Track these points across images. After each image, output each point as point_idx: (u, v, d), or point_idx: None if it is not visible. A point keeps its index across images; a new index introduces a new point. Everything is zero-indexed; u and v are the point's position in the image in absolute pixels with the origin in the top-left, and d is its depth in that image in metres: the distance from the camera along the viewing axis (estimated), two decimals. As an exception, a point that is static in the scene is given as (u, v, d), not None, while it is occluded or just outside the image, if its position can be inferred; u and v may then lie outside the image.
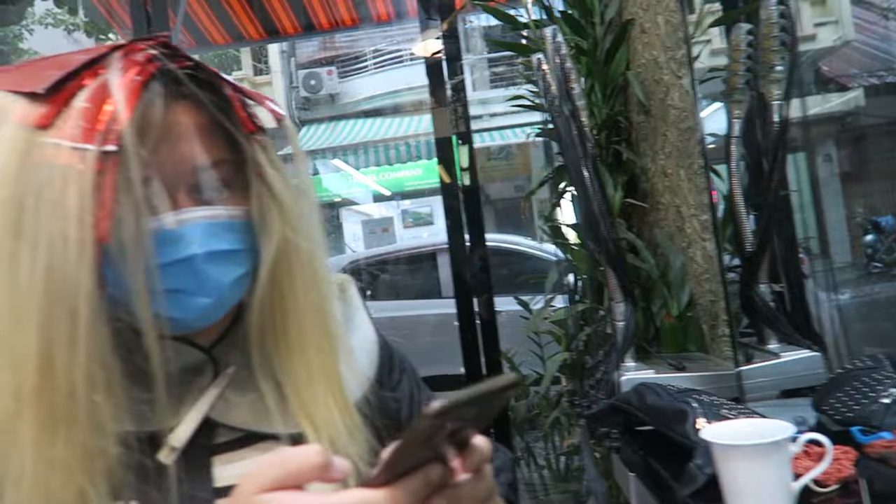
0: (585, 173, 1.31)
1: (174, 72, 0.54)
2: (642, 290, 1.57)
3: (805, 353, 1.23)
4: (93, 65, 0.53)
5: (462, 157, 2.22)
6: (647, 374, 1.27)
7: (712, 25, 1.71)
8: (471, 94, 2.29)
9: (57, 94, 0.51)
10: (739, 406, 0.98)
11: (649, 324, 1.55)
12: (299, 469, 0.43)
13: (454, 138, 2.12)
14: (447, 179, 2.16)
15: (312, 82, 10.07)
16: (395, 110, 10.17)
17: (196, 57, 0.57)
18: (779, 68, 1.24)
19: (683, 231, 1.63)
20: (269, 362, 0.61)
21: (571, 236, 1.78)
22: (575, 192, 1.45)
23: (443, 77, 2.14)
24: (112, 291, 0.52)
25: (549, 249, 5.53)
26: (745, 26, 1.32)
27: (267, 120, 0.62)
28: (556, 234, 1.71)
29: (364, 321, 0.73)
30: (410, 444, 0.42)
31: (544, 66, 1.46)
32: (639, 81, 1.70)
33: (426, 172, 9.91)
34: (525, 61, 1.88)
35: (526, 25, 1.75)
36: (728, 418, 0.90)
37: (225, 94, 0.57)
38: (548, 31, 1.32)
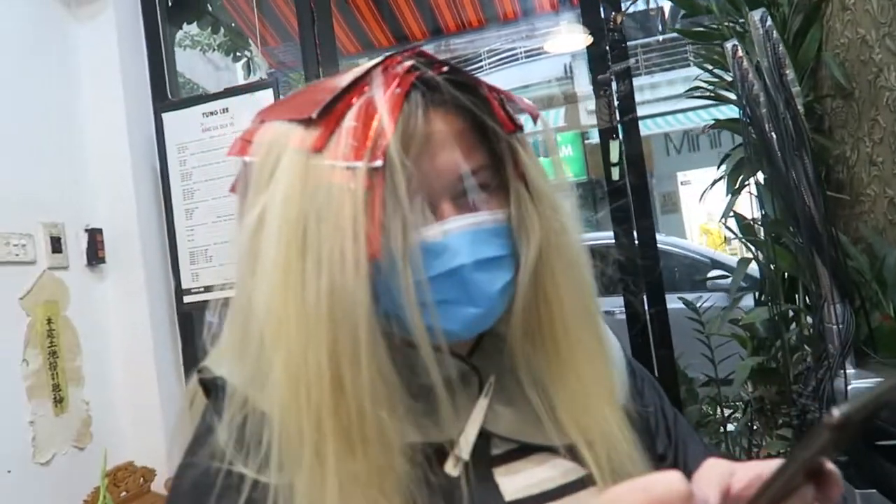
0: (801, 166, 1.21)
1: (433, 79, 0.53)
2: (853, 291, 1.44)
3: None
4: (358, 83, 0.53)
5: (612, 151, 2.14)
6: (875, 382, 1.16)
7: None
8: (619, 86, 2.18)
9: (328, 116, 0.52)
10: None
11: (861, 326, 1.41)
12: (664, 497, 0.40)
13: (620, 128, 2.04)
14: (612, 174, 2.09)
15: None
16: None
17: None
18: None
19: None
20: (536, 370, 0.59)
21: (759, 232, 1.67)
22: (776, 185, 1.35)
23: (605, 64, 2.07)
24: (385, 306, 0.52)
25: (689, 245, 5.28)
26: None
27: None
28: (745, 231, 1.61)
29: (608, 329, 0.70)
30: (796, 464, 0.38)
31: (740, 53, 1.37)
32: (837, 63, 1.56)
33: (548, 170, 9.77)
34: (702, 48, 1.78)
35: (709, 10, 1.65)
36: None
37: (483, 96, 0.56)
38: (755, 16, 1.24)
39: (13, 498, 1.53)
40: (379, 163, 0.50)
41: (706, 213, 9.60)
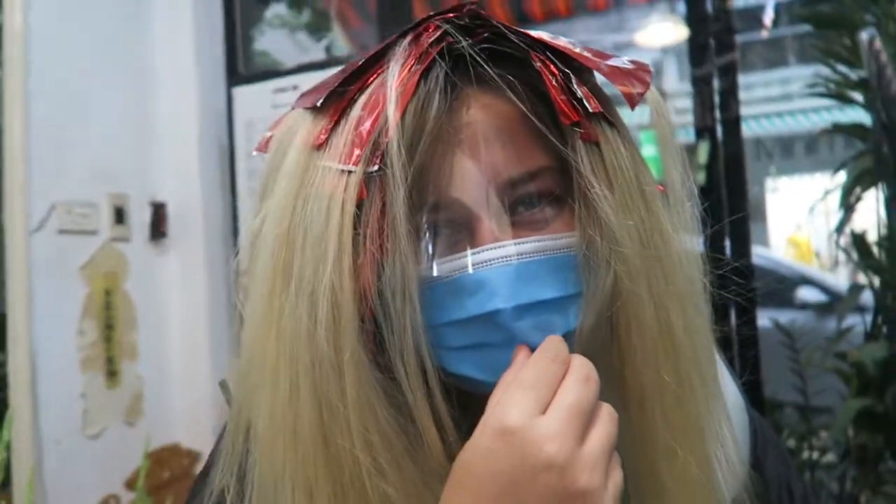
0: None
1: (464, 50, 0.39)
2: None
3: None
4: (379, 58, 0.41)
5: (701, 152, 1.97)
6: None
7: None
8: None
9: (336, 103, 0.40)
10: None
11: None
12: None
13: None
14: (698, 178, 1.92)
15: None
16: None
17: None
18: None
19: None
20: None
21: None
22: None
23: (707, 57, 1.89)
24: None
25: (775, 258, 4.94)
26: None
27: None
28: (862, 253, 1.40)
29: (726, 376, 0.55)
30: None
31: (878, 45, 1.17)
32: None
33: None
34: (823, 42, 1.57)
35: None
36: None
37: (533, 71, 0.40)
38: (905, 0, 1.04)
39: (60, 469, 1.52)
40: (375, 167, 0.38)
41: (795, 225, 9.08)
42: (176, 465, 1.68)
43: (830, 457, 1.69)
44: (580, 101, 0.40)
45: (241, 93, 1.81)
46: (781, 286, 4.06)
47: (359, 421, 0.37)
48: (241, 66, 1.90)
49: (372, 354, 0.38)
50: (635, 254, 0.40)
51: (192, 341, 1.85)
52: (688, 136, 1.96)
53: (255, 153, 0.47)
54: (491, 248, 0.39)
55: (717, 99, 1.89)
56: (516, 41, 0.40)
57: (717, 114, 1.89)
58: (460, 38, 0.39)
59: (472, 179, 0.39)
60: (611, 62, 0.42)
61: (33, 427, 1.45)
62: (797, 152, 10.10)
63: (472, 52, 0.39)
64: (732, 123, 1.84)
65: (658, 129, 0.45)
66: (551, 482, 0.34)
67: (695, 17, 1.90)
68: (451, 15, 0.41)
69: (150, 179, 1.81)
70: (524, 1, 3.46)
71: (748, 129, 8.96)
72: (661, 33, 4.35)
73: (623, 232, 0.40)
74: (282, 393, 0.38)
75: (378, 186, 0.38)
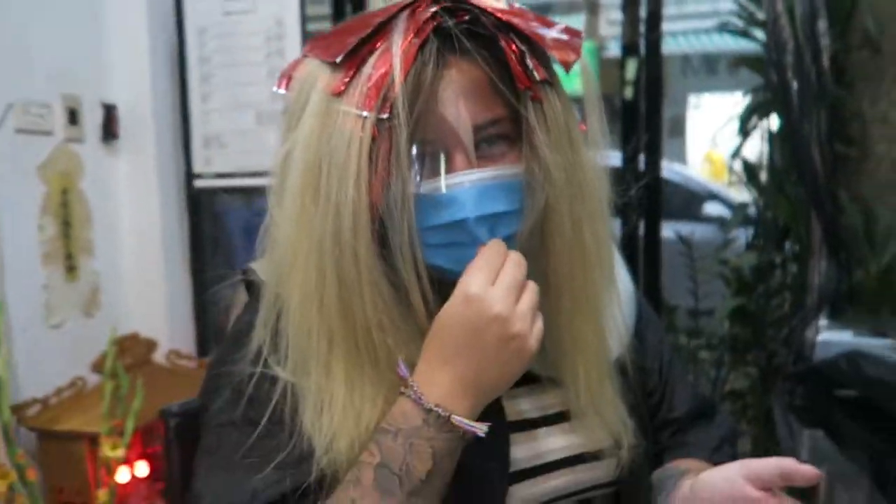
0: (814, 121, 1.23)
1: (450, 29, 0.53)
2: (841, 245, 1.49)
3: None
4: (384, 27, 0.54)
5: (629, 68, 2.08)
6: (844, 337, 1.24)
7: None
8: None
9: (351, 60, 0.54)
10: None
11: (842, 281, 1.48)
12: None
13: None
14: (626, 92, 2.03)
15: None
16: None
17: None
18: None
19: (898, 186, 1.51)
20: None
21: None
22: (790, 135, 1.37)
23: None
24: (394, 252, 0.55)
25: (690, 174, 5.26)
26: None
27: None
28: (749, 175, 1.64)
29: (622, 270, 0.73)
30: None
31: (776, -5, 1.35)
32: (873, 14, 1.53)
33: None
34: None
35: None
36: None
37: (500, 46, 0.55)
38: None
39: (26, 356, 1.63)
40: (385, 115, 0.52)
41: (712, 141, 9.47)
42: (137, 352, 1.83)
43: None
44: (531, 71, 0.55)
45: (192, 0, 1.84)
46: (691, 200, 4.40)
47: (369, 292, 0.54)
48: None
49: (378, 248, 0.54)
50: (561, 182, 0.56)
51: (145, 239, 1.95)
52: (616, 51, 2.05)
53: (275, 89, 0.59)
54: (462, 174, 0.55)
55: (643, 16, 2.00)
56: (487, 23, 0.55)
57: (643, 32, 2.01)
58: (447, 18, 0.54)
59: (451, 124, 0.55)
60: (553, 34, 0.57)
61: (1, 316, 1.55)
62: (721, 70, 10.36)
63: (456, 31, 0.53)
64: (654, 44, 1.98)
65: (584, 86, 0.61)
66: (498, 330, 0.52)
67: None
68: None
69: (103, 82, 1.84)
70: None
71: (677, 46, 9.11)
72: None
73: (554, 166, 0.56)
74: (312, 275, 0.54)
75: (387, 129, 0.52)
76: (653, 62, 1.99)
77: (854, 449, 0.98)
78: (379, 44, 0.54)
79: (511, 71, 0.55)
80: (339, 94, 0.54)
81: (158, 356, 1.91)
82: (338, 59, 0.54)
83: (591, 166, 0.60)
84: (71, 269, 1.76)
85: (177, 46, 1.89)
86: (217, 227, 2.10)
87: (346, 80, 0.54)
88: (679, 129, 10.78)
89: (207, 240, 2.05)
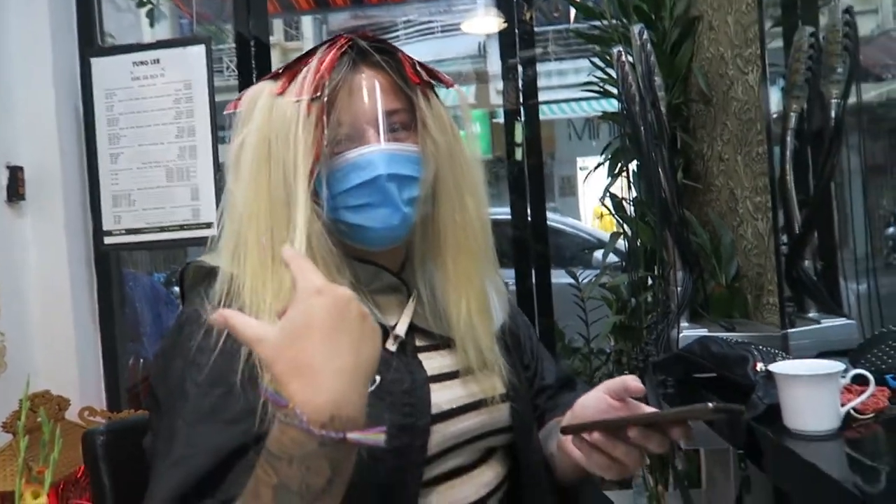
0: (659, 156, 1.49)
1: (362, 45, 0.75)
2: (694, 262, 1.76)
3: (842, 321, 1.42)
4: (313, 52, 0.75)
5: (517, 132, 2.35)
6: (701, 332, 1.47)
7: (774, 27, 1.86)
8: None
9: (290, 71, 0.74)
10: (790, 357, 1.18)
11: (699, 292, 1.73)
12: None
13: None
14: (511, 154, 2.29)
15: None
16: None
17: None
18: (840, 71, 1.41)
19: (735, 211, 1.81)
20: (429, 274, 0.81)
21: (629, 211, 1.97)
22: (643, 172, 1.63)
23: (512, 50, 2.27)
24: (328, 209, 0.72)
25: (581, 226, 5.69)
26: (809, 29, 1.48)
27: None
28: (617, 208, 1.90)
29: (501, 283, 0.91)
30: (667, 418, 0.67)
31: (624, 58, 1.63)
32: (702, 74, 1.86)
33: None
34: (599, 51, 2.04)
35: (602, 16, 1.91)
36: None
37: (398, 57, 0.77)
38: (636, 29, 1.49)
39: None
40: (317, 94, 0.71)
41: (599, 198, 10.17)
42: (49, 410, 1.80)
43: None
44: (420, 73, 0.77)
45: (100, 63, 1.93)
46: (582, 250, 4.78)
47: (303, 222, 0.69)
48: (100, 37, 2.00)
49: (313, 203, 0.71)
50: (446, 155, 0.77)
51: (53, 299, 1.95)
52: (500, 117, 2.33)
53: (226, 112, 0.77)
54: (374, 146, 0.74)
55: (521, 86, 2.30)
56: (389, 45, 0.77)
57: (521, 100, 2.30)
58: (360, 42, 0.75)
59: (366, 109, 0.74)
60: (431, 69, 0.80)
61: None
62: (603, 134, 11.26)
63: (367, 47, 0.75)
64: (532, 109, 2.28)
65: (461, 111, 0.84)
66: (356, 307, 0.58)
67: (505, 14, 2.29)
68: (355, 34, 0.76)
69: (7, 144, 1.88)
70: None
71: (561, 112, 9.84)
72: (484, 22, 4.80)
73: (440, 143, 0.77)
74: (268, 224, 0.70)
75: (318, 109, 0.71)
76: (533, 125, 2.28)
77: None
78: (309, 60, 0.74)
79: (406, 74, 0.76)
80: (281, 94, 0.73)
81: (71, 414, 1.89)
82: (280, 71, 0.74)
83: (468, 151, 0.81)
84: (-25, 330, 1.74)
85: (83, 108, 1.96)
86: (125, 285, 2.12)
87: (286, 84, 0.73)
88: (572, 188, 11.54)
89: (115, 297, 2.07)
